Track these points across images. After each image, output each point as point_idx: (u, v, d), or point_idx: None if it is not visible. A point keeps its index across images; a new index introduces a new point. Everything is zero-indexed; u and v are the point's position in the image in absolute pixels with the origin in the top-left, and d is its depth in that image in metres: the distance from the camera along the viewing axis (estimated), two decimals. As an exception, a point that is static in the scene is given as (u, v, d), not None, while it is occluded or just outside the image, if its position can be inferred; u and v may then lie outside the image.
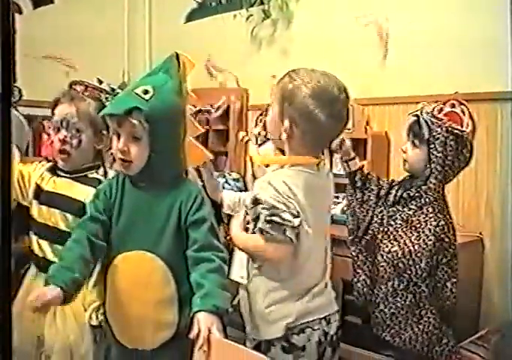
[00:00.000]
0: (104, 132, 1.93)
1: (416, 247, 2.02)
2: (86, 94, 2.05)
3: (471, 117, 2.73)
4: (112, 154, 1.62)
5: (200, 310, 1.38)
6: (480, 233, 2.76)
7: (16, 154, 2.02)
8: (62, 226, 1.86)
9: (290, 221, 1.51)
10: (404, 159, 2.18)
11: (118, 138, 1.55)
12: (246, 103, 3.98)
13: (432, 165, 2.06)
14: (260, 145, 2.54)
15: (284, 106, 1.57)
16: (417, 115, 2.12)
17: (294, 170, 1.61)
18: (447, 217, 2.09)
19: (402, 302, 2.06)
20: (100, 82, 3.47)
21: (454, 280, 2.06)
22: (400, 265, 2.04)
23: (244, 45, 3.87)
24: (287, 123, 1.57)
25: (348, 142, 2.16)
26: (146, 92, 1.52)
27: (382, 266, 2.09)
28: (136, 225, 1.57)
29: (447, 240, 2.05)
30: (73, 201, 1.86)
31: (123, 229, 1.58)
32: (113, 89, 3.42)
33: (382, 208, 2.16)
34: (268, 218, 1.53)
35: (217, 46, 4.00)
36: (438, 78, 2.89)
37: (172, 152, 1.59)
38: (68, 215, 1.85)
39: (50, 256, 1.85)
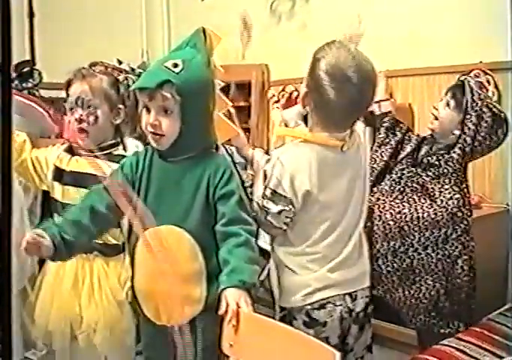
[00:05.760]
0: (121, 106, 1.93)
1: (425, 215, 2.01)
2: (98, 71, 2.02)
3: (496, 86, 2.69)
4: (141, 128, 1.60)
5: (226, 287, 1.38)
6: (507, 204, 2.72)
7: (27, 142, 1.99)
8: None
9: (268, 208, 1.58)
10: (434, 116, 2.14)
11: (148, 112, 1.54)
12: (268, 79, 3.95)
13: (463, 135, 2.02)
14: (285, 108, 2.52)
15: (307, 73, 1.60)
16: (463, 81, 2.09)
17: (310, 144, 1.61)
18: (464, 191, 2.06)
19: (399, 264, 2.07)
20: (120, 62, 3.46)
21: (465, 257, 2.04)
22: (405, 228, 2.04)
23: (263, 20, 3.83)
24: (304, 90, 1.61)
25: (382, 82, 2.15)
26: (175, 65, 1.50)
27: (389, 224, 2.09)
28: (164, 200, 1.56)
29: (459, 214, 2.02)
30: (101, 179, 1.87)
31: (151, 204, 1.56)
32: (133, 69, 3.42)
33: (404, 166, 2.13)
34: (258, 199, 1.62)
35: (236, 22, 3.96)
36: (462, 48, 2.83)
37: (202, 125, 1.57)
38: None
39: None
